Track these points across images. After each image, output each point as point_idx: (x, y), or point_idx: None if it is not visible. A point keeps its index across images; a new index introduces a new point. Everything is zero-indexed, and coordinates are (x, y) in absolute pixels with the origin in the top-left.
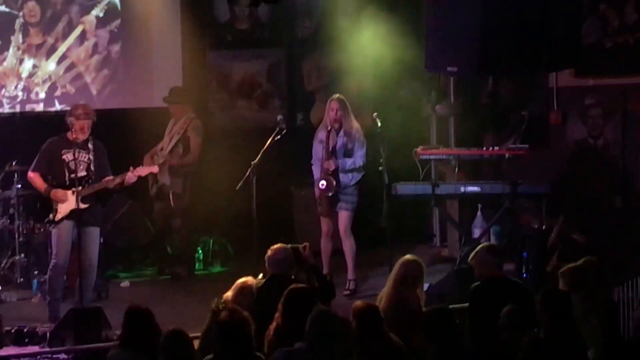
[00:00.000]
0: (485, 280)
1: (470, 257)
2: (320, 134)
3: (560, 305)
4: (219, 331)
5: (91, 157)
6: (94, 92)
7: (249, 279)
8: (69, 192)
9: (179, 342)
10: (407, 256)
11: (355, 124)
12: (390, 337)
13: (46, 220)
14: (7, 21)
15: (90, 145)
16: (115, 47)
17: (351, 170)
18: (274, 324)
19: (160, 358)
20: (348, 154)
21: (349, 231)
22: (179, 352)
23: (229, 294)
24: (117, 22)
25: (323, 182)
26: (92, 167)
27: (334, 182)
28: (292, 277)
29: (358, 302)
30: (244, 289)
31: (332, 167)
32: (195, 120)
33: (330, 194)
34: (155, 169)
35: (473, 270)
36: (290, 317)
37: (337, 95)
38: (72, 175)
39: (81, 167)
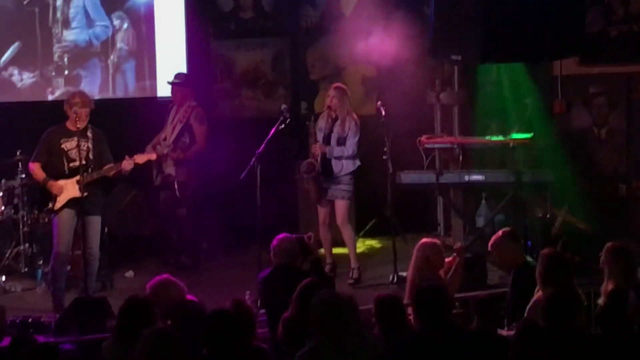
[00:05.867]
0: (518, 267)
1: (490, 246)
2: (320, 122)
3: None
4: (219, 323)
5: (90, 146)
6: (98, 81)
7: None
8: (66, 183)
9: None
10: (424, 239)
11: (352, 114)
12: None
13: (46, 209)
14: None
15: (89, 134)
16: (119, 37)
17: (340, 158)
18: (286, 317)
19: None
20: (341, 142)
21: (347, 220)
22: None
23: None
24: (120, 12)
25: (304, 164)
26: (90, 156)
27: (316, 165)
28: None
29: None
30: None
31: (318, 152)
32: (197, 108)
33: (310, 175)
34: (153, 156)
35: (494, 258)
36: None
37: (336, 84)
38: (71, 164)
39: (80, 156)
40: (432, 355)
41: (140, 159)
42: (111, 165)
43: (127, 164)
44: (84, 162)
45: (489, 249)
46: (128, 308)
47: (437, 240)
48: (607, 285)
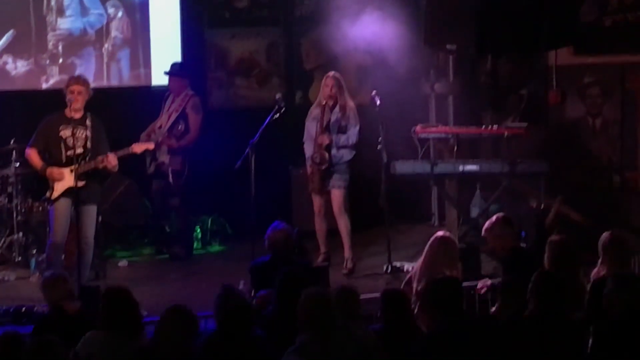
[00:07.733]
0: (511, 251)
1: (485, 231)
2: (315, 112)
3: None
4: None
5: (88, 134)
6: (92, 69)
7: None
8: (65, 171)
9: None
10: (439, 233)
11: (350, 102)
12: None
13: (43, 198)
14: None
15: (88, 122)
16: (114, 25)
17: (343, 147)
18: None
19: (161, 334)
20: (342, 130)
21: (343, 209)
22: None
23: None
24: (115, 0)
25: (317, 155)
26: (89, 144)
27: (327, 155)
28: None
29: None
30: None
31: (327, 141)
32: (194, 97)
33: (323, 167)
34: (151, 145)
35: (489, 245)
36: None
37: (333, 72)
38: (69, 152)
39: (78, 144)
40: (457, 349)
41: (138, 147)
42: (102, 156)
43: (112, 158)
44: (81, 150)
45: (483, 234)
46: (112, 298)
47: (452, 238)
48: (599, 273)
